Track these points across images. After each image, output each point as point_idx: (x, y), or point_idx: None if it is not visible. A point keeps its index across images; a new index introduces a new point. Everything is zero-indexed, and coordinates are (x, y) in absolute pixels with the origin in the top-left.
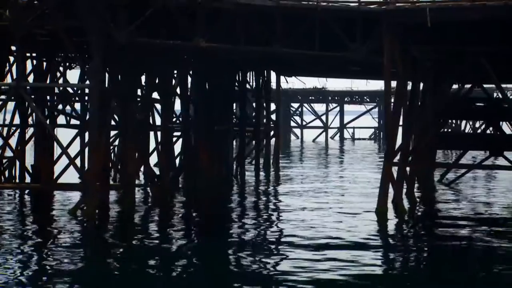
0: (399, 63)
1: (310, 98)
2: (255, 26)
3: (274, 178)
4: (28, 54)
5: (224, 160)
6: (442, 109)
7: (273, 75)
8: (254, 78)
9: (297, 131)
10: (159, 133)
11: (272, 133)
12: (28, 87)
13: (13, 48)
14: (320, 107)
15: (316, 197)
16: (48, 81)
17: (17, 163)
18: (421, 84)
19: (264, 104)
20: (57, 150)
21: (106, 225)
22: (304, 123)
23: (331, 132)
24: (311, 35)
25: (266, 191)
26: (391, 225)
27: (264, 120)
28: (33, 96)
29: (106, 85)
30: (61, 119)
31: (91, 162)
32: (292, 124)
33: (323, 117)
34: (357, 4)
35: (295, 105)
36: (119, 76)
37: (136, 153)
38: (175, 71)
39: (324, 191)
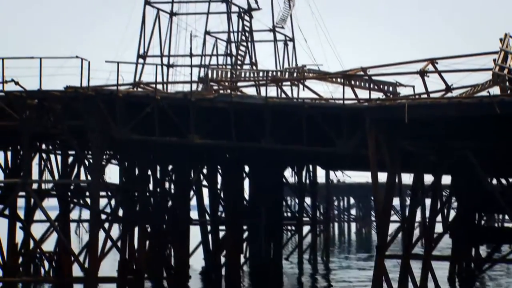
0: (386, 157)
1: None
2: (247, 122)
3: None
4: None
5: (255, 255)
6: (478, 202)
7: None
8: (296, 172)
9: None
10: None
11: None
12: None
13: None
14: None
15: None
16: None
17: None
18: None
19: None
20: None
21: None
22: None
23: None
24: (300, 130)
25: None
26: None
27: (309, 214)
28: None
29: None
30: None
31: (90, 255)
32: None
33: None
34: (341, 101)
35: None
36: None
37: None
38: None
39: None
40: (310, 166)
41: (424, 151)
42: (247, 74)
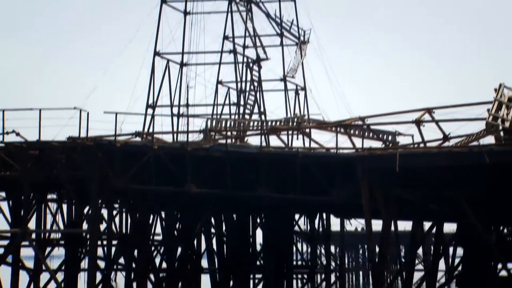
0: (381, 205)
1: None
2: (243, 171)
3: None
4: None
5: None
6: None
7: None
8: (308, 219)
9: None
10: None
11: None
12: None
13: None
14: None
15: None
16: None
17: None
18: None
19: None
20: None
21: None
22: None
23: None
24: (294, 179)
25: None
26: None
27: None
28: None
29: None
30: None
31: None
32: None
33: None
34: (335, 150)
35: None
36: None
37: None
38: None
39: None
40: (324, 214)
41: (420, 199)
42: (245, 124)
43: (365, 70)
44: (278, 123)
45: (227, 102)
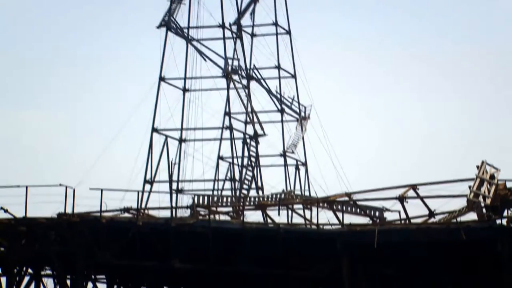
0: (362, 281)
1: None
2: (226, 247)
3: None
4: None
5: None
6: None
7: None
8: None
9: None
10: None
11: None
12: None
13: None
14: None
15: None
16: None
17: None
18: None
19: None
20: None
21: None
22: None
23: None
24: (277, 254)
25: None
26: None
27: None
28: None
29: None
30: None
31: None
32: None
33: None
34: (316, 226)
35: None
36: None
37: None
38: None
39: None
40: None
41: (403, 275)
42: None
43: (367, 144)
44: (264, 199)
45: (227, 177)
